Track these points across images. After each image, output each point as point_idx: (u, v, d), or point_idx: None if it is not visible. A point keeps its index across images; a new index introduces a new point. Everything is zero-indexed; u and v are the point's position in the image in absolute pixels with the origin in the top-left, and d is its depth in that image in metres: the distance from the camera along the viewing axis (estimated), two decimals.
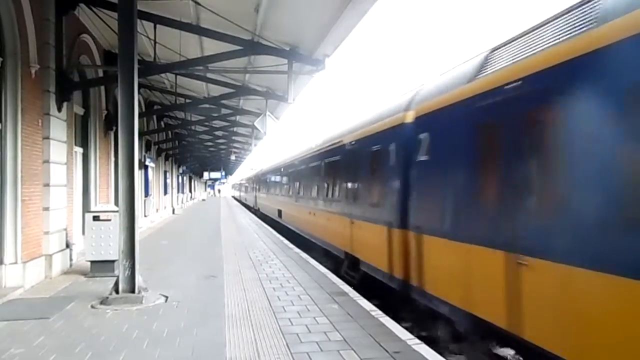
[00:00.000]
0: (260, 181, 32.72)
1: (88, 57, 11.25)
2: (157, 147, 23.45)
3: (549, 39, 4.16)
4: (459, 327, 5.46)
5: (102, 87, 12.46)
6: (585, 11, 3.77)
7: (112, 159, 13.47)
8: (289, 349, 4.81)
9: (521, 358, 5.12)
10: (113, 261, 8.64)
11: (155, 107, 19.97)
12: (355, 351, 4.73)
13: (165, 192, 27.58)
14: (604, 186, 3.32)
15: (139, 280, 6.83)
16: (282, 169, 21.05)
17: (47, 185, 8.56)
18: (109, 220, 8.81)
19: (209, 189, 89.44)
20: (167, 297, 7.01)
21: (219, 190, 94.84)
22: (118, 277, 6.79)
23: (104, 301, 6.65)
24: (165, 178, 27.42)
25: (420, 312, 6.56)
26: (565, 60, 3.75)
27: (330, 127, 13.61)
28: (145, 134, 18.94)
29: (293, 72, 10.48)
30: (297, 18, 9.14)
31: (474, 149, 5.16)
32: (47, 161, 8.57)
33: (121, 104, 6.97)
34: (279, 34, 9.75)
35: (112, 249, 8.55)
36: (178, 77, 13.94)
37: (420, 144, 6.30)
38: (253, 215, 28.77)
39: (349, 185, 9.67)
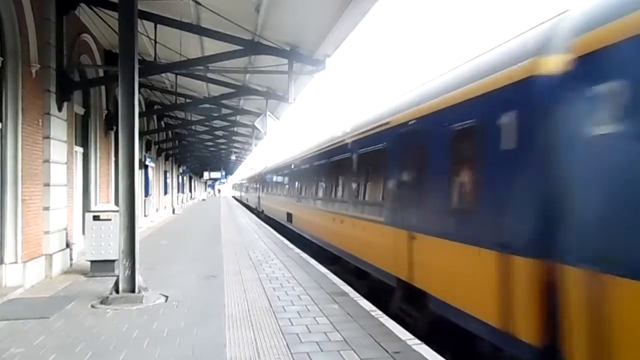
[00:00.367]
0: (264, 180, 28.75)
1: (88, 56, 11.25)
2: (157, 146, 23.46)
3: None
4: None
5: (103, 87, 12.47)
6: None
7: (113, 158, 13.47)
8: (289, 349, 4.81)
9: None
10: (113, 261, 8.65)
11: (156, 106, 19.97)
12: (355, 351, 4.73)
13: (166, 192, 27.58)
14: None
15: (139, 279, 6.83)
16: (293, 165, 17.67)
17: (48, 184, 8.56)
18: (109, 220, 8.81)
19: (209, 189, 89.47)
20: (167, 297, 7.01)
21: (219, 190, 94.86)
22: (118, 276, 6.79)
23: (104, 301, 6.66)
24: (166, 178, 27.43)
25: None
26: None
27: (360, 113, 10.59)
28: (145, 133, 18.94)
29: (293, 72, 10.48)
30: (297, 18, 9.14)
31: None
32: (47, 161, 8.57)
33: (121, 103, 6.97)
34: (279, 34, 9.75)
35: (112, 248, 8.56)
36: (178, 76, 13.94)
37: (592, 104, 3.47)
38: (253, 215, 28.74)
39: (406, 182, 6.76)
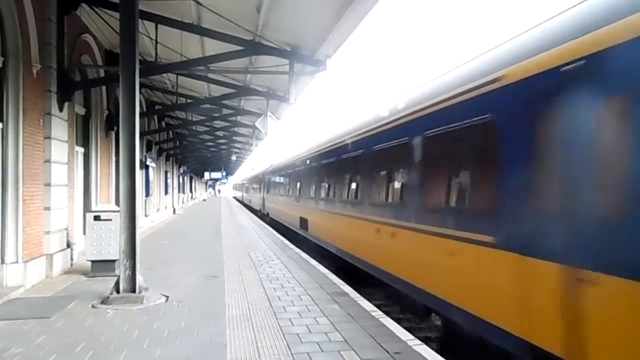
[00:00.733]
0: (270, 179, 25.52)
1: (89, 57, 11.26)
2: (158, 147, 23.47)
3: None
4: None
5: (104, 87, 12.48)
6: None
7: (113, 158, 13.48)
8: (290, 349, 4.80)
9: None
10: (114, 261, 8.65)
11: (157, 107, 19.99)
12: (355, 352, 4.72)
13: (166, 192, 27.59)
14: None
15: (139, 280, 6.83)
16: (309, 160, 14.44)
17: (48, 184, 8.57)
18: (110, 220, 8.81)
19: (210, 189, 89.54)
20: (167, 297, 7.01)
21: (219, 191, 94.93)
22: (119, 276, 6.79)
23: (104, 301, 6.66)
24: (166, 178, 27.44)
25: None
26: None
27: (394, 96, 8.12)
28: (146, 134, 18.95)
29: (294, 73, 10.48)
30: (298, 19, 9.15)
31: None
32: (48, 161, 8.58)
33: (122, 103, 6.97)
34: (280, 35, 9.75)
35: (113, 248, 8.56)
36: (179, 77, 13.95)
37: None
38: (253, 215, 28.73)
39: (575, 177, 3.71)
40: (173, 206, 30.70)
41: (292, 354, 4.67)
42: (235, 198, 73.24)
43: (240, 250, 12.48)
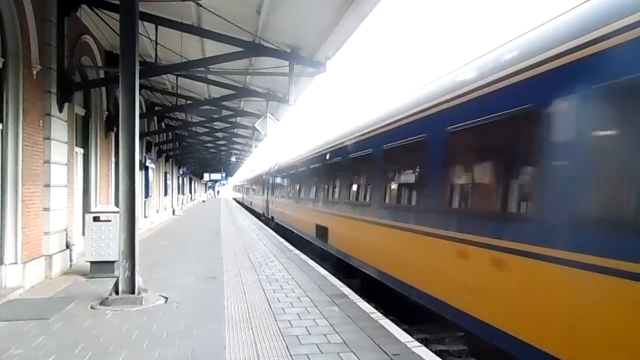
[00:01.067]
0: (275, 180, 22.61)
1: (89, 58, 11.26)
2: (157, 148, 23.47)
3: None
4: None
5: (103, 88, 12.47)
6: None
7: (113, 159, 13.47)
8: (289, 351, 4.80)
9: None
10: (113, 262, 8.64)
11: (156, 108, 19.98)
12: (354, 353, 4.73)
13: (166, 193, 27.59)
14: None
15: (138, 281, 6.82)
16: (329, 156, 11.63)
17: (48, 185, 8.57)
18: (109, 221, 8.81)
19: (209, 190, 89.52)
20: (167, 298, 7.01)
21: (218, 192, 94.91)
22: (118, 277, 6.78)
23: (103, 302, 6.65)
24: (166, 179, 27.44)
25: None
26: None
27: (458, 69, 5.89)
28: (146, 135, 18.95)
29: (294, 74, 10.49)
30: (298, 20, 9.16)
31: None
32: (47, 161, 8.57)
33: (122, 104, 6.97)
34: (280, 36, 9.76)
35: (112, 249, 8.56)
36: (179, 78, 13.96)
37: None
38: (253, 217, 28.72)
39: None
40: (172, 207, 30.69)
41: (291, 356, 4.67)
42: (235, 200, 71.82)
43: (239, 251, 12.47)
